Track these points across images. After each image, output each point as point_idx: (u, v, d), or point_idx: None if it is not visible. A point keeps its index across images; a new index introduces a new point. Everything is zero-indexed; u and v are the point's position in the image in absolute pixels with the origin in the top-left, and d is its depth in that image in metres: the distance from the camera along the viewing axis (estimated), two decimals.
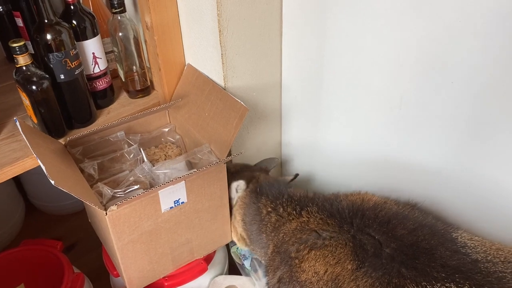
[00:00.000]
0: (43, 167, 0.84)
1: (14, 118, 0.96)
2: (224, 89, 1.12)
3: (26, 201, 1.80)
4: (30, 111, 1.07)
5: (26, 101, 1.05)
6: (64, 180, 0.88)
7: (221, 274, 1.27)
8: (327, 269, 0.85)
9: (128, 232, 0.98)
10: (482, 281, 0.76)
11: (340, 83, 1.12)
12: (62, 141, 1.09)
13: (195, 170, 1.00)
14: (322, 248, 0.88)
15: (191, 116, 1.18)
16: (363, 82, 1.06)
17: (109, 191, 1.01)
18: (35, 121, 1.07)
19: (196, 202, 1.06)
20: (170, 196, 1.00)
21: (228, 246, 1.35)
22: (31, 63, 1.01)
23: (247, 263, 1.27)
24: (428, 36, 0.89)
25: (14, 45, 0.97)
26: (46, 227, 1.76)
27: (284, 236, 0.97)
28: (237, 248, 1.29)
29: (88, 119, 1.16)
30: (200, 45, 1.13)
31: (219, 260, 1.28)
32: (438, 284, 0.77)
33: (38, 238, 1.30)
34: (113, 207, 0.91)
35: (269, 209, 1.03)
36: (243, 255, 1.28)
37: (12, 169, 1.03)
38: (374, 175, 1.16)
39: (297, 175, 1.21)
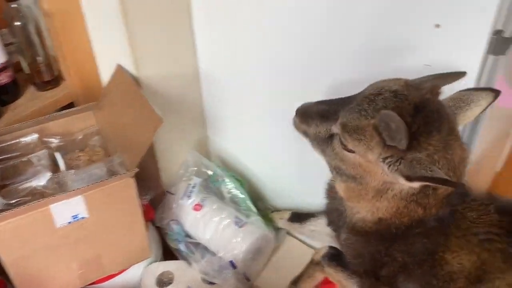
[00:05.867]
0: None
1: None
2: (137, 79, 1.08)
3: None
4: None
5: None
6: None
7: (155, 261, 1.25)
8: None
9: (18, 247, 0.91)
10: None
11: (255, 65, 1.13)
12: None
13: (92, 183, 0.92)
14: None
15: (114, 121, 1.10)
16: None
17: (0, 200, 0.93)
18: None
19: (101, 218, 0.99)
20: (65, 211, 0.92)
21: (161, 231, 1.33)
22: None
23: (182, 247, 1.26)
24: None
25: None
26: None
27: None
28: (171, 233, 1.28)
29: None
30: (104, 29, 1.08)
31: (152, 248, 1.26)
32: None
33: None
34: None
35: None
36: (176, 239, 1.26)
37: None
38: None
39: None
